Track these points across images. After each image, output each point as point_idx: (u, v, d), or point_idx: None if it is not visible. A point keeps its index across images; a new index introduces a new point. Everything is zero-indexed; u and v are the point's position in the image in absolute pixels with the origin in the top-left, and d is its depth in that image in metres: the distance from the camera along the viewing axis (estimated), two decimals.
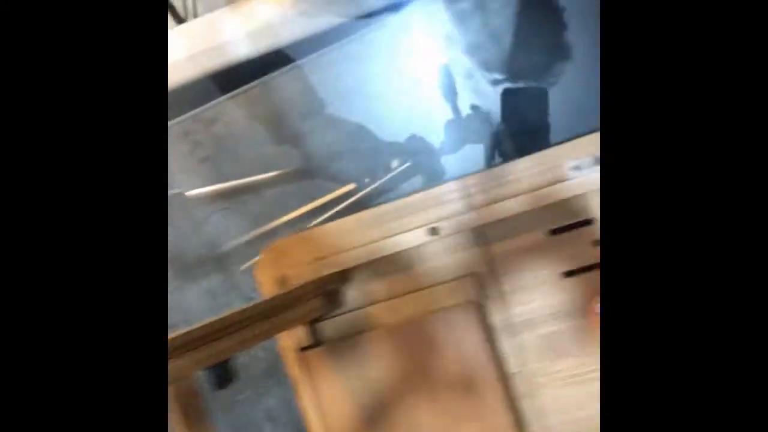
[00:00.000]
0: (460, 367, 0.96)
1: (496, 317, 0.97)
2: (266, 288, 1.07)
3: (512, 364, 0.97)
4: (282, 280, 1.08)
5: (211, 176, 1.07)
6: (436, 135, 1.18)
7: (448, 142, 1.19)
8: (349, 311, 1.07)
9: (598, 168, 0.85)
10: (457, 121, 1.23)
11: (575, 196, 0.90)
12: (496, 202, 0.93)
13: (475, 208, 0.94)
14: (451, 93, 1.26)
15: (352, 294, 1.07)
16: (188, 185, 1.12)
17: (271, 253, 1.10)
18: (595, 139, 0.87)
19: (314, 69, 1.14)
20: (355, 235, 1.02)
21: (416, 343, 0.98)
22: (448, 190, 0.97)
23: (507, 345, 0.97)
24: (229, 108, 1.06)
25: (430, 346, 0.98)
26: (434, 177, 1.19)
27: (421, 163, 1.10)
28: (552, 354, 0.94)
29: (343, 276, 1.06)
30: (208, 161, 1.06)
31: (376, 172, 1.14)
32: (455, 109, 1.24)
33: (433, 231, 0.94)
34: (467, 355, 0.95)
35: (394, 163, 1.09)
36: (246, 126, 1.04)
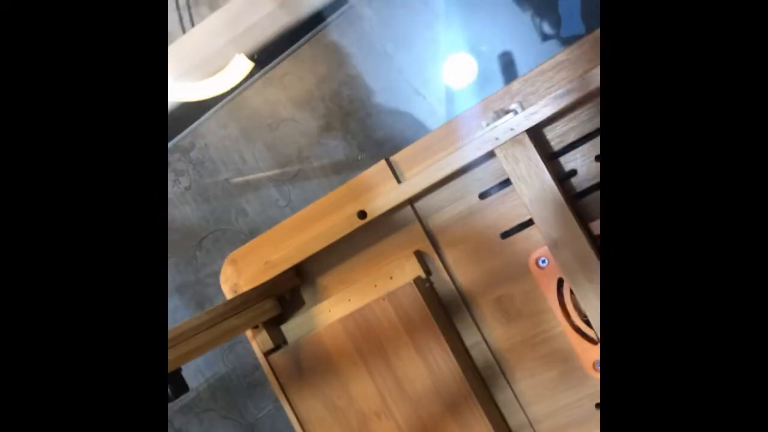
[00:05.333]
0: (414, 346, 0.94)
1: (443, 290, 0.95)
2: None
3: (467, 336, 0.94)
4: (236, 289, 1.08)
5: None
6: None
7: None
8: (306, 308, 1.06)
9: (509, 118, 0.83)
10: None
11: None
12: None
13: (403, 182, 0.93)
14: None
15: (309, 290, 1.07)
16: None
17: (230, 264, 1.10)
18: None
19: None
20: (291, 236, 1.02)
21: (369, 329, 0.97)
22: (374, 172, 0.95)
23: (458, 316, 0.94)
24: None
25: (384, 329, 0.96)
26: None
27: None
28: (505, 318, 0.92)
29: (295, 274, 1.06)
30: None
31: None
32: None
33: (362, 214, 0.92)
34: (421, 333, 0.93)
35: None
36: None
